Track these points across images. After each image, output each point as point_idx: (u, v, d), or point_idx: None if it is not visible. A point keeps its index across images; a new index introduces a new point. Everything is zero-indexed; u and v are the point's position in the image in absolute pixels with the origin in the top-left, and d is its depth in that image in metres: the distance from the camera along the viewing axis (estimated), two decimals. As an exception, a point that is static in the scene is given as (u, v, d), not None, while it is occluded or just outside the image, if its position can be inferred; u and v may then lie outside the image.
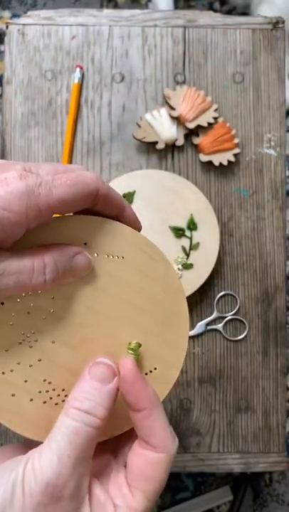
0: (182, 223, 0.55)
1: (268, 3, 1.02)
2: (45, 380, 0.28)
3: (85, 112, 0.58)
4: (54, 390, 0.28)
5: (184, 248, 0.55)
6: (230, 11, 1.21)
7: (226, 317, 0.57)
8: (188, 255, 0.55)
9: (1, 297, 0.27)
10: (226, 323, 0.57)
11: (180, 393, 0.56)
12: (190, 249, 0.55)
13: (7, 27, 0.58)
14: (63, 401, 0.28)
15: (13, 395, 0.28)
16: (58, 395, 0.28)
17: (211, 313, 0.57)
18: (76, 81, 0.57)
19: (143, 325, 0.29)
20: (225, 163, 0.56)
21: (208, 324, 0.57)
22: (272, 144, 0.58)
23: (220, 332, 0.57)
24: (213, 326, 0.57)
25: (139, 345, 0.29)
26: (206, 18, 0.59)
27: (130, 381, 0.27)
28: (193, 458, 0.56)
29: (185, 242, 0.55)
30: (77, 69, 0.57)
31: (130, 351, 0.28)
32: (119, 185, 0.55)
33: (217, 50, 0.58)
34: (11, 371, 0.28)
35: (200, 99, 0.57)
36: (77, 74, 0.57)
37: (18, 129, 0.57)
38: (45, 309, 0.28)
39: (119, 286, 0.29)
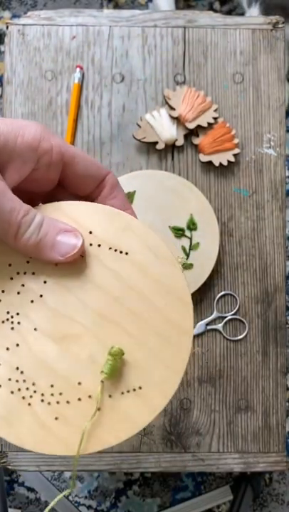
0: (182, 223, 0.55)
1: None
2: (17, 369, 0.26)
3: (85, 112, 0.58)
4: (24, 381, 0.26)
5: (184, 248, 0.55)
6: (231, 11, 1.21)
7: (225, 317, 0.57)
8: (188, 255, 0.55)
9: None
10: (225, 323, 0.57)
11: (180, 393, 0.56)
12: (190, 249, 0.55)
13: (7, 27, 0.58)
14: (31, 396, 0.26)
15: None
16: (27, 389, 0.26)
17: (211, 313, 0.57)
18: (76, 81, 0.57)
19: (137, 334, 0.26)
20: (225, 163, 0.57)
21: (208, 324, 0.57)
22: (272, 144, 0.58)
23: (220, 332, 0.57)
24: (213, 326, 0.57)
25: (122, 352, 0.26)
26: (206, 18, 0.59)
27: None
28: (193, 458, 0.56)
29: (185, 242, 0.55)
30: (78, 69, 0.57)
31: (110, 357, 0.25)
32: (119, 185, 0.55)
33: (217, 50, 0.58)
34: None
35: (200, 99, 0.57)
36: (78, 74, 0.57)
37: (19, 129, 0.57)
38: (35, 292, 0.27)
39: (117, 285, 0.27)
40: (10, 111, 0.57)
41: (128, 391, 0.26)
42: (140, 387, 0.26)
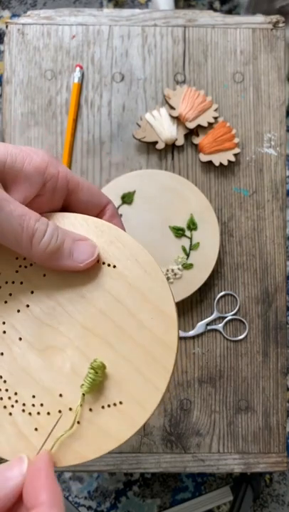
0: (182, 223, 0.55)
1: None
2: (1, 377, 0.26)
3: (85, 112, 0.58)
4: (7, 390, 0.26)
5: (184, 248, 0.55)
6: (231, 11, 1.21)
7: (226, 317, 0.57)
8: (188, 255, 0.55)
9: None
10: (226, 323, 0.57)
11: (180, 393, 0.56)
12: (190, 249, 0.55)
13: (7, 27, 0.58)
14: (12, 406, 0.26)
15: None
16: (9, 398, 0.26)
17: (211, 313, 0.57)
18: (76, 81, 0.57)
19: (121, 348, 0.26)
20: (225, 163, 0.56)
21: (208, 324, 0.57)
22: (273, 143, 0.58)
23: (220, 332, 0.57)
24: (213, 326, 0.57)
25: (103, 367, 0.25)
26: (206, 17, 0.59)
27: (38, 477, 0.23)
28: (194, 458, 0.56)
29: (185, 242, 0.55)
30: (77, 68, 0.57)
31: (91, 370, 0.25)
32: (119, 185, 0.55)
33: (217, 49, 0.58)
34: None
35: (200, 98, 0.56)
36: (77, 73, 0.57)
37: (18, 128, 0.57)
38: (23, 302, 0.27)
39: (103, 298, 0.26)
40: (9, 110, 0.57)
41: (108, 405, 0.26)
42: (121, 402, 0.26)
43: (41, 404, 0.26)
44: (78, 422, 0.25)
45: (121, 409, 0.25)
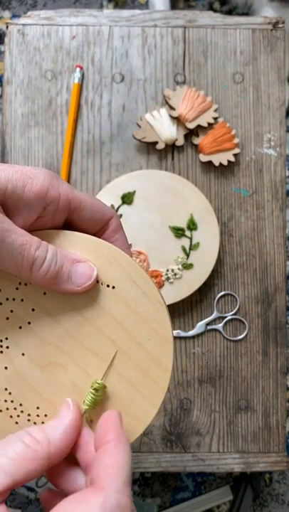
0: (182, 223, 0.55)
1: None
2: (6, 389, 0.27)
3: (85, 112, 0.58)
4: (12, 401, 0.27)
5: (183, 248, 0.55)
6: (231, 11, 1.21)
7: (225, 317, 0.57)
8: (188, 255, 0.55)
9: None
10: (225, 323, 0.57)
11: (180, 393, 0.56)
12: (190, 249, 0.55)
13: (7, 27, 0.58)
14: (18, 416, 0.27)
15: None
16: (15, 408, 0.27)
17: (211, 313, 0.57)
18: (76, 81, 0.57)
19: (119, 366, 0.27)
20: (225, 163, 0.57)
21: (208, 324, 0.57)
22: (272, 143, 0.58)
23: (220, 332, 0.57)
24: (213, 326, 0.57)
25: (104, 387, 0.27)
26: (206, 18, 0.59)
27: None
28: (194, 458, 0.56)
29: (185, 242, 0.55)
30: (77, 69, 0.57)
31: (92, 390, 0.27)
32: (120, 185, 0.55)
33: (217, 50, 0.58)
34: None
35: (200, 99, 0.57)
36: (77, 74, 0.57)
37: (18, 129, 0.57)
38: (24, 319, 0.27)
39: (102, 318, 0.27)
40: (10, 111, 0.57)
41: None
42: None
43: (45, 415, 0.28)
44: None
45: None
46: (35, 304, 0.27)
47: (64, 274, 0.26)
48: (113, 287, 0.27)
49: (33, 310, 0.27)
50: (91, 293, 0.27)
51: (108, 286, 0.27)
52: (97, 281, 0.27)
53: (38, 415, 0.28)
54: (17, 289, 0.28)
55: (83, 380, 0.27)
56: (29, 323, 0.27)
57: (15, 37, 0.58)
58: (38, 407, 0.28)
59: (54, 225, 0.28)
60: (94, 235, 0.29)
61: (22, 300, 0.27)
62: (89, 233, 0.28)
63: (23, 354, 0.27)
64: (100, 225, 0.29)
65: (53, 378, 0.27)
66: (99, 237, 0.29)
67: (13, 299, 0.27)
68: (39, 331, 0.27)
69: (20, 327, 0.27)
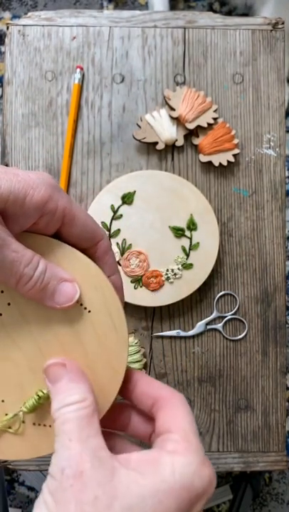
0: (182, 223, 0.55)
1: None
2: None
3: (86, 113, 0.58)
4: None
5: (183, 248, 0.55)
6: (230, 12, 1.22)
7: (225, 317, 0.57)
8: (188, 255, 0.55)
9: None
10: (225, 322, 0.57)
11: (180, 392, 0.57)
12: (190, 249, 0.55)
13: (7, 28, 0.58)
14: None
15: None
16: None
17: (211, 313, 0.57)
18: (76, 82, 0.57)
19: None
20: (224, 163, 0.57)
21: (207, 324, 0.57)
22: (272, 144, 0.58)
23: (220, 332, 0.57)
24: (213, 326, 0.57)
25: (48, 398, 0.28)
26: (206, 19, 0.59)
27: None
28: (193, 457, 0.56)
29: (185, 242, 0.55)
30: (78, 70, 0.57)
31: (36, 397, 0.28)
32: (120, 185, 0.55)
33: (217, 50, 0.59)
34: None
35: (200, 99, 0.57)
36: (78, 75, 0.57)
37: (19, 129, 0.58)
38: None
39: (68, 334, 0.28)
40: (10, 111, 0.58)
41: (39, 424, 0.29)
42: (50, 426, 0.29)
43: None
44: (9, 427, 0.29)
45: (49, 431, 0.29)
46: (13, 300, 0.28)
47: (48, 291, 0.27)
48: (89, 311, 0.28)
49: (8, 304, 0.28)
50: (68, 309, 0.28)
51: (85, 308, 0.28)
52: (77, 301, 0.28)
53: None
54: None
55: (31, 382, 0.28)
56: (0, 314, 0.28)
57: (15, 38, 0.58)
58: None
59: (46, 233, 0.28)
60: (85, 251, 0.29)
61: (2, 291, 0.28)
62: (77, 249, 0.29)
63: None
64: (89, 244, 0.30)
65: (3, 371, 0.28)
66: (91, 255, 0.29)
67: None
68: (7, 325, 0.28)
69: None
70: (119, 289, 0.30)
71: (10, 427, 0.29)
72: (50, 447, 0.28)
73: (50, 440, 0.28)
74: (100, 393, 0.28)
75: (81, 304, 0.28)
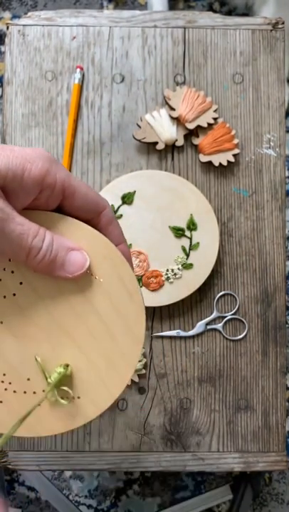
0: (182, 223, 0.55)
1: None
2: None
3: (85, 113, 0.58)
4: None
5: (183, 248, 0.55)
6: (230, 12, 1.22)
7: (225, 317, 0.57)
8: (188, 255, 0.55)
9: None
10: (225, 322, 0.57)
11: (180, 393, 0.57)
12: (190, 249, 0.55)
13: (7, 28, 0.58)
14: None
15: None
16: None
17: (211, 313, 0.57)
18: (76, 82, 0.57)
19: (89, 352, 0.29)
20: (224, 163, 0.57)
21: (207, 324, 0.57)
22: (272, 144, 0.58)
23: (220, 332, 0.57)
24: (213, 326, 0.57)
25: (71, 372, 0.28)
26: (206, 18, 0.59)
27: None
28: (193, 457, 0.56)
29: (185, 242, 0.55)
30: (78, 69, 0.57)
31: (61, 369, 0.28)
32: (120, 185, 0.55)
33: (217, 50, 0.59)
34: None
35: (200, 99, 0.57)
36: (78, 74, 0.57)
37: (19, 129, 0.58)
38: (10, 290, 0.28)
39: (84, 306, 0.28)
40: (10, 111, 0.58)
41: (67, 397, 0.29)
42: (79, 397, 0.29)
43: (10, 383, 0.29)
44: (39, 405, 0.29)
45: (77, 403, 0.29)
46: (24, 278, 0.28)
47: (58, 262, 0.27)
48: (101, 280, 0.28)
49: (20, 283, 0.28)
50: (79, 281, 0.28)
51: (96, 278, 0.28)
52: (88, 271, 0.28)
53: (2, 381, 0.29)
54: (10, 260, 0.28)
55: (52, 357, 0.29)
56: (14, 294, 0.28)
57: (15, 37, 0.58)
58: (4, 374, 0.29)
59: (47, 208, 0.28)
60: (89, 222, 0.29)
61: (13, 272, 0.28)
62: (82, 220, 0.29)
63: (1, 322, 0.28)
64: (92, 215, 0.29)
65: (25, 350, 0.29)
66: (94, 226, 0.29)
67: (4, 269, 0.28)
68: (22, 304, 0.28)
69: (4, 296, 0.28)
70: (128, 258, 0.30)
71: (39, 405, 0.29)
72: (81, 419, 0.29)
73: (80, 412, 0.28)
74: (122, 360, 0.28)
75: (92, 274, 0.28)
